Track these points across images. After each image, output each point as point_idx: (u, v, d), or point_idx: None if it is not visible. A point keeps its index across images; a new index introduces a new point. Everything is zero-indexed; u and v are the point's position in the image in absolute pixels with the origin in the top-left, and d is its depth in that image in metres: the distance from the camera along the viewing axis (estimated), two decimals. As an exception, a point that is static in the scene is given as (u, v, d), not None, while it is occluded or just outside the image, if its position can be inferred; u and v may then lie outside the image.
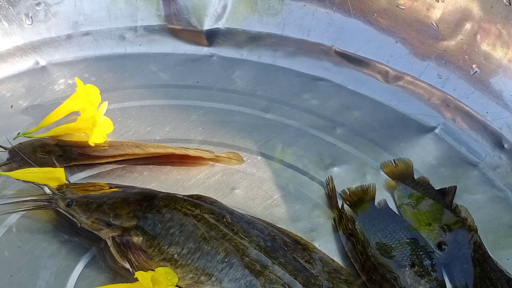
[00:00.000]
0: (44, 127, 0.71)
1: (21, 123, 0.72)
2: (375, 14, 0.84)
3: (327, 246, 0.65)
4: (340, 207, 0.67)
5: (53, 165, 0.65)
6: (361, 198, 0.69)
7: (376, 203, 0.68)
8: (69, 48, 0.82)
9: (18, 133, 0.70)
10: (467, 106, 0.79)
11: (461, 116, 0.79)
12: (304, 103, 0.80)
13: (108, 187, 0.64)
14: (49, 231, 0.63)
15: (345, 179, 0.71)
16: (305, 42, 0.86)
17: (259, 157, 0.73)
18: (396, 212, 0.68)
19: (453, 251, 0.65)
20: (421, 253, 0.63)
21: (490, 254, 0.64)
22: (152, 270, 0.57)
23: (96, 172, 0.68)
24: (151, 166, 0.70)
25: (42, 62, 0.80)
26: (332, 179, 0.70)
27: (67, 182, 0.64)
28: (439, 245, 0.65)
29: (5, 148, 0.67)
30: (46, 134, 0.70)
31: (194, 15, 0.86)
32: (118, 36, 0.84)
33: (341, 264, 0.62)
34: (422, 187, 0.71)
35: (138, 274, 0.55)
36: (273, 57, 0.86)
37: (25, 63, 0.80)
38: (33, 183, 0.64)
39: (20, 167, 0.66)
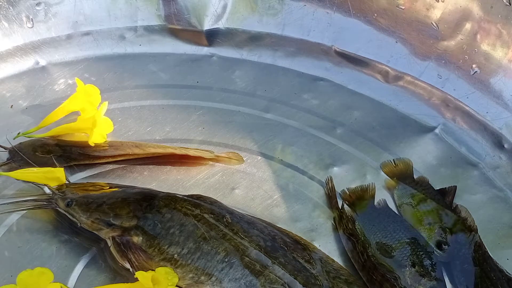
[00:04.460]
0: (44, 127, 0.71)
1: (21, 123, 0.72)
2: (375, 14, 0.84)
3: (327, 246, 0.65)
4: (340, 207, 0.67)
5: (53, 165, 0.65)
6: (360, 198, 0.69)
7: (376, 203, 0.68)
8: (69, 48, 0.82)
9: (18, 133, 0.70)
10: (467, 106, 0.79)
11: (461, 116, 0.79)
12: (304, 103, 0.80)
13: (108, 187, 0.64)
14: (49, 231, 0.63)
15: (345, 179, 0.71)
16: (305, 42, 0.86)
17: (259, 157, 0.73)
18: (396, 212, 0.68)
19: (453, 251, 0.65)
20: (421, 253, 0.63)
21: (490, 254, 0.64)
22: (152, 270, 0.57)
23: (96, 172, 0.68)
24: (151, 166, 0.70)
25: (42, 62, 0.80)
26: (331, 179, 0.70)
27: (67, 182, 0.64)
28: (439, 245, 0.65)
29: (5, 148, 0.67)
30: (46, 134, 0.70)
31: (194, 15, 0.86)
32: (118, 36, 0.84)
33: (341, 264, 0.62)
34: (422, 187, 0.71)
35: (138, 274, 0.55)
36: (273, 57, 0.86)
37: (25, 63, 0.80)
38: (33, 183, 0.64)
39: (20, 167, 0.66)
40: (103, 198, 0.62)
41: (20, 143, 0.68)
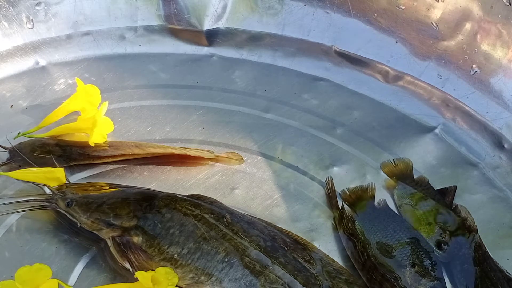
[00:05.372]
0: (44, 127, 0.71)
1: (21, 123, 0.72)
2: (375, 14, 0.84)
3: (327, 246, 0.65)
4: (340, 207, 0.67)
5: (53, 165, 0.65)
6: (360, 198, 0.69)
7: (376, 203, 0.68)
8: (69, 48, 0.82)
9: (18, 133, 0.70)
10: (467, 106, 0.79)
11: (461, 116, 0.79)
12: (304, 103, 0.80)
13: (108, 187, 0.64)
14: (49, 231, 0.63)
15: (345, 179, 0.71)
16: (305, 42, 0.86)
17: (259, 157, 0.73)
18: (396, 212, 0.68)
19: (453, 251, 0.65)
20: (421, 253, 0.63)
21: (490, 254, 0.64)
22: (152, 270, 0.57)
23: (96, 172, 0.68)
24: (151, 166, 0.70)
25: (42, 62, 0.80)
26: (331, 179, 0.70)
27: (67, 182, 0.64)
28: (439, 245, 0.65)
29: (5, 148, 0.67)
30: (46, 134, 0.70)
31: (194, 15, 0.86)
32: (118, 36, 0.84)
33: (341, 264, 0.62)
34: (422, 187, 0.71)
35: (138, 274, 0.55)
36: (273, 57, 0.86)
37: (25, 63, 0.80)
38: (33, 183, 0.64)
39: (20, 167, 0.66)
40: (103, 198, 0.62)
41: (20, 143, 0.68)
